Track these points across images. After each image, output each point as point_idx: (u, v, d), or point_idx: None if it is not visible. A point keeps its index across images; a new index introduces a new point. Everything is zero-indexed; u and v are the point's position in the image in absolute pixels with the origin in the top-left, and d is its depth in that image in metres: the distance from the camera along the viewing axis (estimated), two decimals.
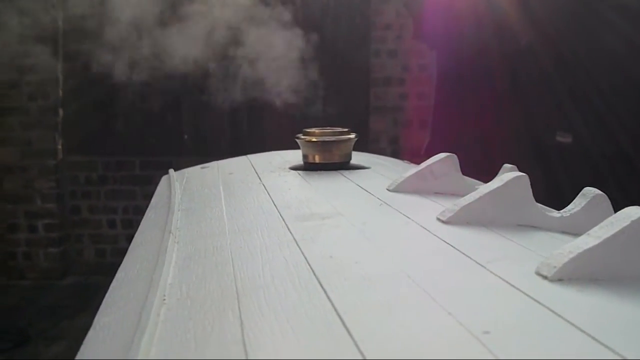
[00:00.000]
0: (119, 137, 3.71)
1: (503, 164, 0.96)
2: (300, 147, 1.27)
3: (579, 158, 2.06)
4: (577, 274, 0.54)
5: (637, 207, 0.57)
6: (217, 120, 3.68)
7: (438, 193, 0.97)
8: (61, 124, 3.64)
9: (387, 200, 0.92)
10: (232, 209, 0.92)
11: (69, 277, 3.69)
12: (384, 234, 0.74)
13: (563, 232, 0.77)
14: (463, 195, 0.79)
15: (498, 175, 0.88)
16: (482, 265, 0.58)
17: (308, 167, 1.25)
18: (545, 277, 0.54)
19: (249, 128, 3.68)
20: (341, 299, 0.51)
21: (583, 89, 2.04)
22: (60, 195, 3.67)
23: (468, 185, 0.96)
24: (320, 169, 1.22)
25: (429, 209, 0.82)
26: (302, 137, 1.26)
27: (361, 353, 0.41)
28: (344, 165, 1.25)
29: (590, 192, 0.81)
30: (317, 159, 1.24)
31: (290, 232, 0.74)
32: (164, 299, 0.55)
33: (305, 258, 0.63)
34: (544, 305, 0.48)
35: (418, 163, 1.03)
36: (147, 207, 1.11)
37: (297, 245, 0.68)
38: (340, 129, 1.26)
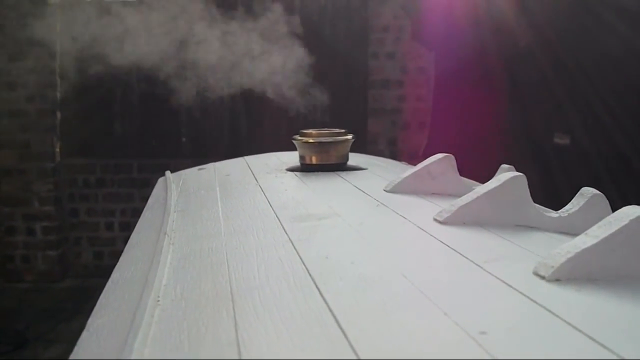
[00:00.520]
0: (117, 140, 3.71)
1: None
2: (297, 148, 1.26)
3: (577, 159, 2.06)
4: (575, 273, 0.53)
5: (636, 206, 0.57)
6: (216, 123, 3.67)
7: (435, 194, 0.97)
8: (59, 127, 3.64)
9: (384, 200, 0.91)
10: (228, 210, 0.92)
11: (67, 280, 3.68)
12: (380, 235, 0.74)
13: (561, 232, 0.76)
14: (460, 196, 0.78)
15: (495, 175, 0.87)
16: (479, 266, 0.58)
17: (305, 168, 1.24)
18: (542, 277, 0.54)
19: (247, 131, 3.67)
20: (336, 299, 0.50)
21: (581, 91, 2.04)
22: (58, 198, 3.66)
23: (465, 186, 0.96)
24: (317, 170, 1.22)
25: (426, 210, 0.82)
26: (299, 138, 1.25)
27: (356, 353, 0.41)
28: (341, 166, 1.24)
29: (588, 192, 0.81)
30: (314, 160, 1.24)
31: (286, 233, 0.74)
32: (158, 300, 0.55)
33: (301, 258, 0.62)
34: (541, 306, 0.48)
35: (416, 164, 1.02)
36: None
37: (293, 245, 0.68)
38: (337, 130, 1.26)
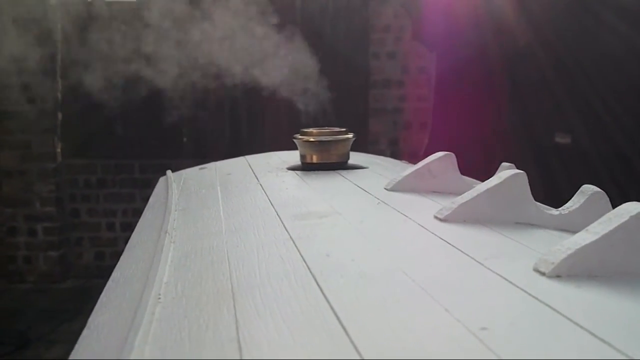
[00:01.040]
0: (118, 140, 3.71)
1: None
2: (298, 147, 1.27)
3: (577, 159, 2.06)
4: (575, 270, 0.53)
5: (636, 202, 0.57)
6: (217, 123, 3.67)
7: (436, 192, 0.97)
8: (60, 127, 3.64)
9: (384, 199, 0.91)
10: (229, 209, 0.92)
11: (69, 280, 3.68)
12: (381, 232, 0.74)
13: (561, 230, 0.76)
14: (461, 194, 0.78)
15: (496, 173, 0.87)
16: (479, 262, 0.58)
17: (306, 167, 1.25)
18: (543, 274, 0.54)
19: (248, 130, 3.67)
20: (337, 296, 0.50)
21: (582, 90, 2.04)
22: (59, 199, 3.66)
23: (466, 184, 0.95)
24: (318, 169, 1.22)
25: (427, 208, 0.82)
26: (300, 137, 1.25)
27: (357, 350, 0.41)
28: (342, 165, 1.24)
29: (588, 189, 0.81)
30: (314, 159, 1.24)
31: (287, 231, 0.74)
32: (159, 298, 0.55)
33: (302, 256, 0.62)
34: (541, 302, 0.48)
35: (416, 163, 1.02)
36: None
37: (294, 243, 0.68)
38: (337, 129, 1.26)
